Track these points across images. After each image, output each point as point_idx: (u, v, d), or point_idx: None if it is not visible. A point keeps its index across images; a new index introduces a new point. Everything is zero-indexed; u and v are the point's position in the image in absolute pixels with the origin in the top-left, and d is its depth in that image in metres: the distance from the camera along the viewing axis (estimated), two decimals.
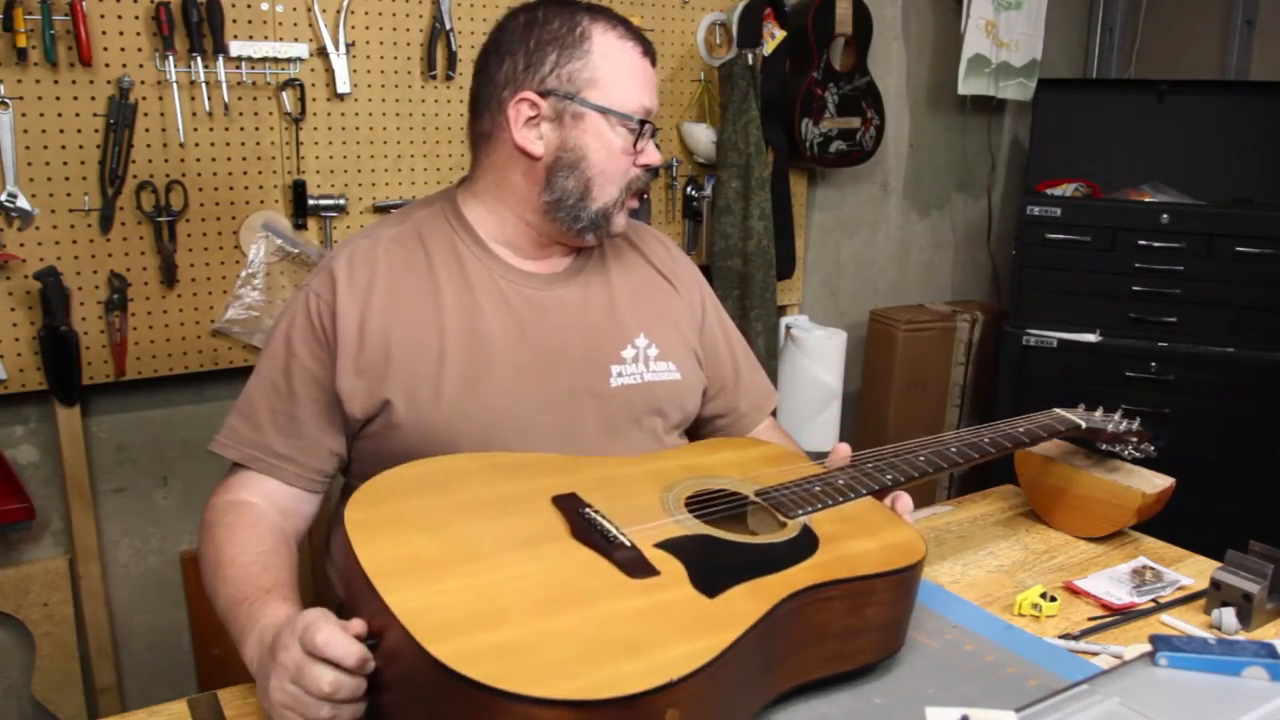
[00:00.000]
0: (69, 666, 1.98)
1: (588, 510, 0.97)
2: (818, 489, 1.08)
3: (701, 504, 1.04)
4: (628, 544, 0.92)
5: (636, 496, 1.02)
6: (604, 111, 1.17)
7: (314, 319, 1.17)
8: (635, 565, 0.89)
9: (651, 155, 1.22)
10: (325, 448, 1.18)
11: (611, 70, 1.18)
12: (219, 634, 2.10)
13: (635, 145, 1.20)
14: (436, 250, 1.22)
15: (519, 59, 1.18)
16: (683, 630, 0.81)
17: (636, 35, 1.21)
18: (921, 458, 1.19)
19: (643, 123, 1.20)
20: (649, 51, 1.22)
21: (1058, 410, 1.40)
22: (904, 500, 1.14)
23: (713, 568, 0.91)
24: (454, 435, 1.14)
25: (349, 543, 0.87)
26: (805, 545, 0.97)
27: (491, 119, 1.21)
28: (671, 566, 0.90)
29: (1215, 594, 1.19)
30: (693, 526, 0.98)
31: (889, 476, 1.13)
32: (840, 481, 1.11)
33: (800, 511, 1.04)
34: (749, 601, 0.86)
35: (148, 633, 2.11)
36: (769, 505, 1.05)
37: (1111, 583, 1.27)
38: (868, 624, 0.95)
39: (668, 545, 0.93)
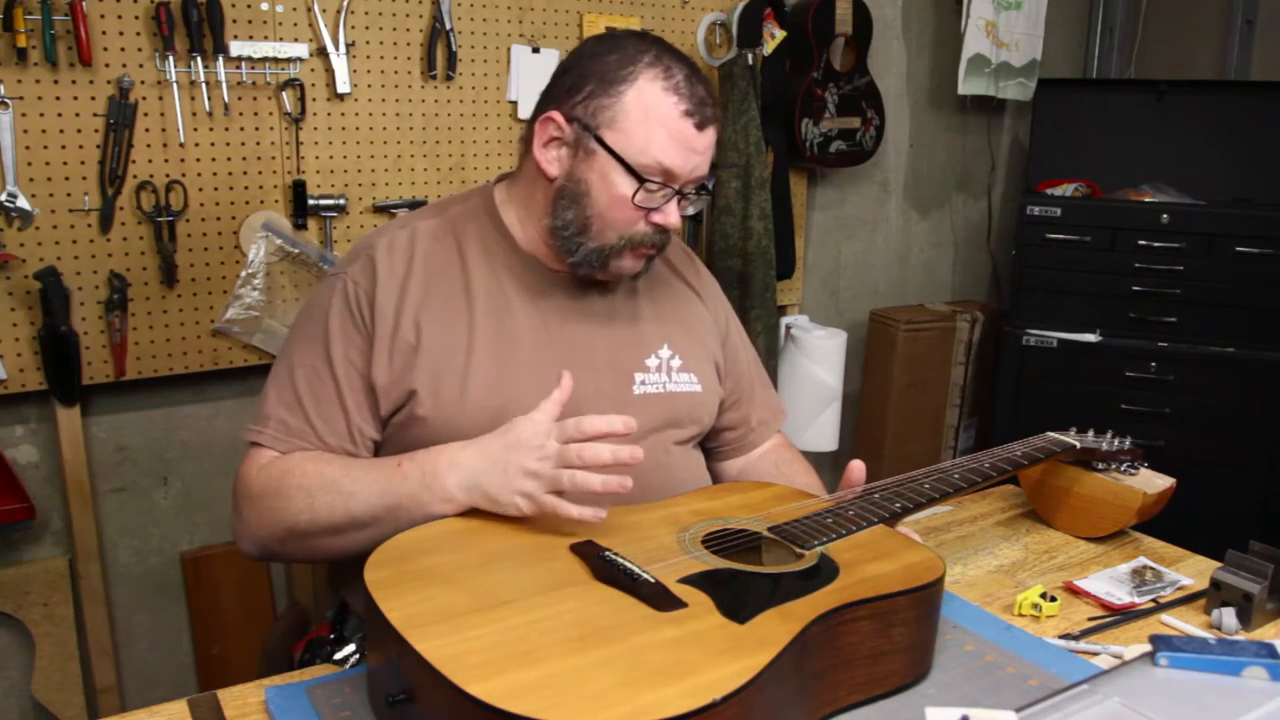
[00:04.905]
0: (69, 666, 1.98)
1: (607, 553, 0.98)
2: (829, 520, 1.10)
3: (718, 542, 1.05)
4: (651, 580, 0.93)
5: (652, 539, 1.04)
6: (614, 156, 1.14)
7: (352, 306, 1.18)
8: (662, 599, 0.90)
9: (667, 217, 1.17)
10: (367, 436, 1.19)
11: (636, 118, 1.13)
12: (219, 634, 2.13)
13: (645, 200, 1.15)
14: (470, 247, 1.23)
15: (568, 79, 1.18)
16: (718, 654, 0.82)
17: (688, 94, 1.14)
18: (927, 485, 1.20)
19: (653, 182, 1.14)
20: (695, 114, 1.14)
21: (1051, 434, 1.42)
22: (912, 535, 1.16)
23: (739, 597, 0.92)
24: (476, 433, 1.14)
25: (372, 601, 0.87)
26: (826, 572, 0.99)
27: (530, 128, 1.22)
28: (698, 598, 0.91)
29: (1215, 594, 1.19)
30: (713, 561, 0.99)
31: (898, 505, 1.15)
32: (851, 512, 1.12)
33: (816, 542, 1.05)
34: (779, 625, 0.87)
35: (148, 633, 2.11)
36: (784, 539, 1.06)
37: (1111, 583, 1.27)
38: (895, 645, 0.96)
39: (691, 580, 0.95)
